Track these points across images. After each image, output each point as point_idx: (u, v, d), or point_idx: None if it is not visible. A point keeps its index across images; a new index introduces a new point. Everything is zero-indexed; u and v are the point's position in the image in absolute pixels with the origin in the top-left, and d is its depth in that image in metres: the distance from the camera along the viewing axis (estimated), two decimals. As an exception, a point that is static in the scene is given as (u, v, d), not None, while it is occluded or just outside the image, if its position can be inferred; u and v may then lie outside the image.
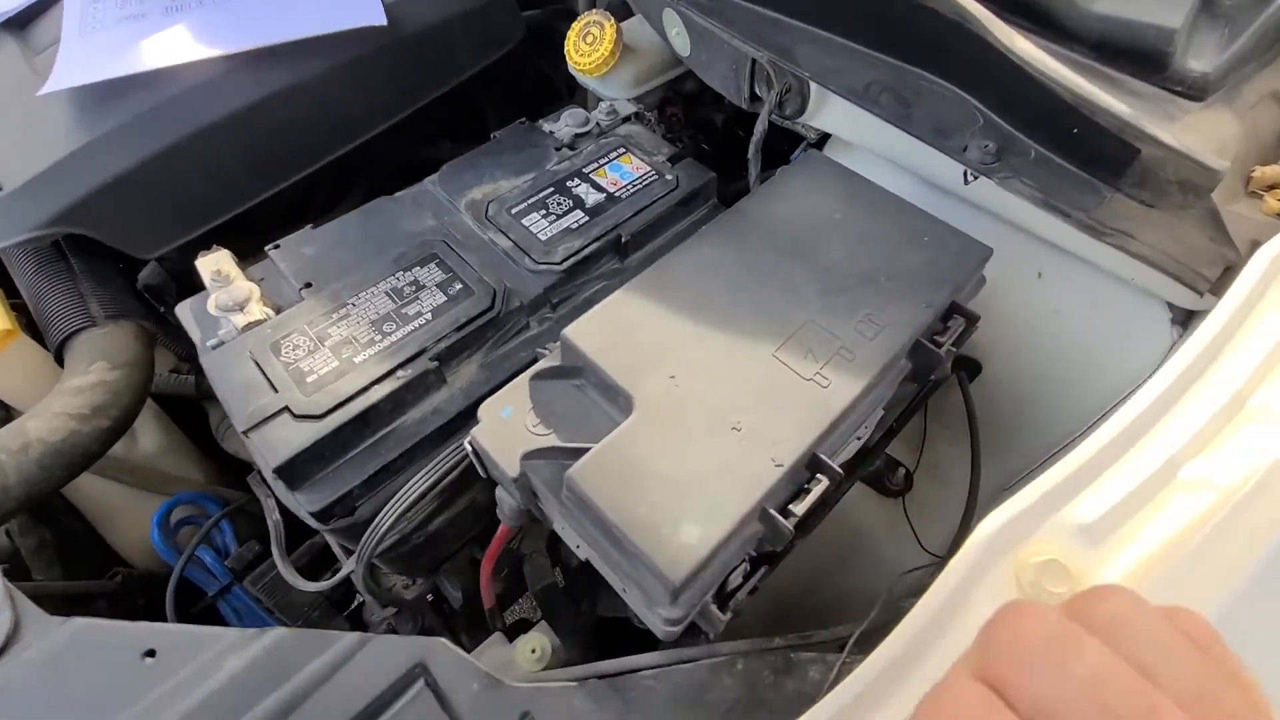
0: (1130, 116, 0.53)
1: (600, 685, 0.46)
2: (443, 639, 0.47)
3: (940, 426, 0.92)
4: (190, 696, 0.46)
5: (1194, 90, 0.63)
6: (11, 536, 0.89)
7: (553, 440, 0.56)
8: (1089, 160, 0.61)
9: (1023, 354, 0.79)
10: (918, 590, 0.42)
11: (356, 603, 1.07)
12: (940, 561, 0.67)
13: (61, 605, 0.90)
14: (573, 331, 0.58)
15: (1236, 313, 0.48)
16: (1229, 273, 0.58)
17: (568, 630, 0.87)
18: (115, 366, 0.84)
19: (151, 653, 0.49)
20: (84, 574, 0.97)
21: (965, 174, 0.70)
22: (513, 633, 0.83)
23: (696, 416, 0.53)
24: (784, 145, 1.04)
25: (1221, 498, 0.40)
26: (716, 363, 0.56)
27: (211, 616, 1.02)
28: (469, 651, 0.80)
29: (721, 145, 1.28)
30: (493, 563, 0.74)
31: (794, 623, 0.86)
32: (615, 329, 0.58)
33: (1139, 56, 0.63)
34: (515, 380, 0.60)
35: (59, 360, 0.86)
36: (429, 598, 0.93)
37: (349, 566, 0.70)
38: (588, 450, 0.52)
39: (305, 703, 0.45)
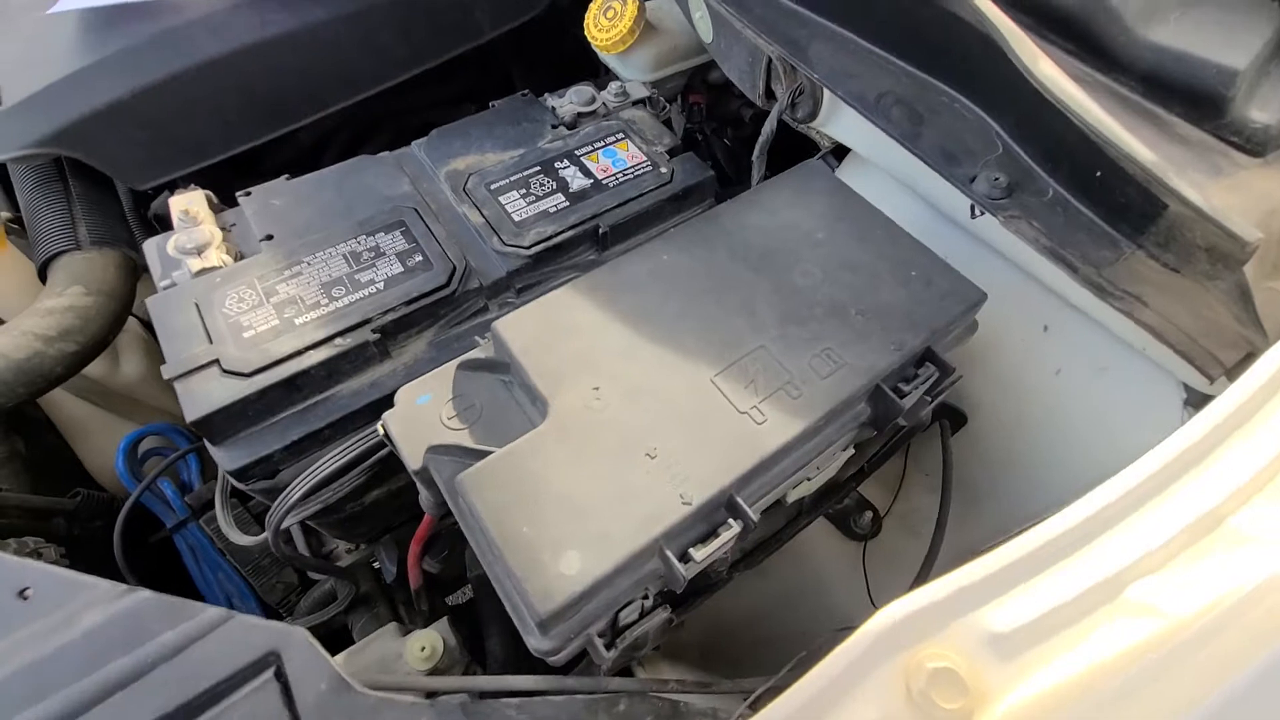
0: (1156, 166, 0.46)
1: (451, 707, 0.43)
2: (304, 630, 0.45)
3: (921, 473, 0.85)
4: (43, 647, 0.44)
5: (1252, 144, 0.55)
6: (-18, 443, 0.92)
7: (464, 437, 0.52)
8: (1111, 210, 0.54)
9: (1016, 412, 0.72)
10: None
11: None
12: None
13: (20, 517, 0.93)
14: (503, 324, 0.55)
15: (1240, 410, 0.41)
16: (1250, 359, 0.50)
17: (498, 623, 0.85)
18: (90, 293, 0.84)
19: (25, 591, 0.48)
20: (54, 490, 0.99)
21: (972, 208, 0.63)
22: (460, 615, 0.81)
23: (610, 436, 0.48)
24: (813, 153, 0.98)
25: (1169, 630, 0.34)
26: (647, 379, 0.51)
27: (168, 548, 1.03)
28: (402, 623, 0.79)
29: (747, 143, 1.22)
30: (420, 545, 0.72)
31: (728, 656, 0.82)
32: (549, 328, 0.54)
33: (1193, 97, 0.55)
34: (443, 367, 0.57)
35: (42, 279, 0.87)
36: (375, 565, 0.93)
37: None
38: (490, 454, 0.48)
39: (150, 673, 0.43)
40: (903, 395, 0.53)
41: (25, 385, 0.78)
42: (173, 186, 1.00)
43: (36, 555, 0.84)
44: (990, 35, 0.52)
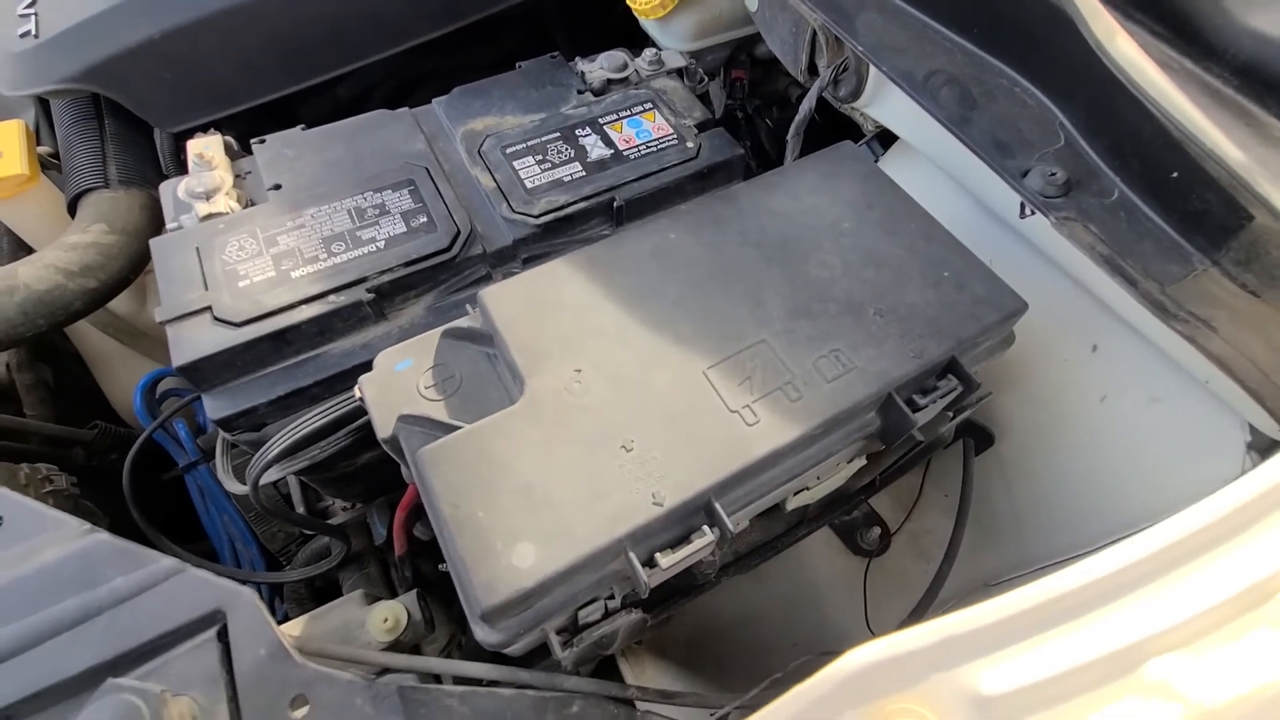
0: (1244, 169, 0.39)
1: (389, 689, 0.41)
2: (253, 590, 0.44)
3: (939, 493, 0.79)
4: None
5: (1368, 152, 0.46)
6: (10, 370, 0.95)
7: (438, 409, 0.50)
8: (1185, 218, 0.47)
9: (1051, 438, 0.65)
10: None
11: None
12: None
13: (39, 444, 0.96)
14: (490, 293, 0.51)
15: (1315, 467, 0.34)
16: (1335, 407, 0.43)
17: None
18: (113, 231, 0.85)
19: (-2, 521, 0.48)
20: (78, 420, 1.02)
21: (1021, 207, 0.56)
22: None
23: (586, 423, 0.45)
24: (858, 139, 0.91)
25: (1189, 718, 0.29)
26: (633, 366, 0.47)
27: (180, 487, 1.06)
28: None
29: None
30: (405, 512, 0.71)
31: (715, 656, 0.78)
32: (537, 301, 0.51)
33: (1299, 93, 0.47)
34: (427, 333, 0.54)
35: (71, 214, 0.88)
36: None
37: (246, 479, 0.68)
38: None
39: (96, 618, 0.43)
40: (916, 409, 0.48)
41: (45, 317, 0.79)
42: (207, 130, 1.00)
43: (48, 482, 0.87)
44: (1061, 6, 0.45)
